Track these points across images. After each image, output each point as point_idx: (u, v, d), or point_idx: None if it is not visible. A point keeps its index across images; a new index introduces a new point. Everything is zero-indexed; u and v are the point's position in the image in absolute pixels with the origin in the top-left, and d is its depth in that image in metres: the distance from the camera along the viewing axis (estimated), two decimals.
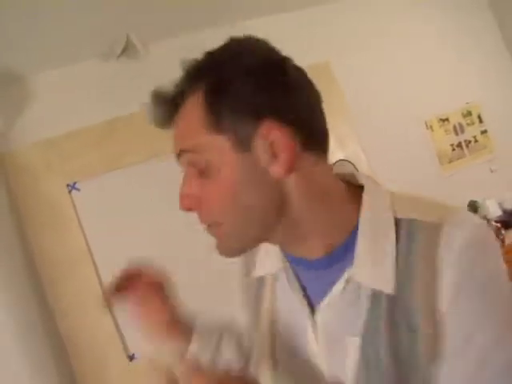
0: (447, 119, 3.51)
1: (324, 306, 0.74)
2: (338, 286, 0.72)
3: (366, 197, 0.73)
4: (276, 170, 0.69)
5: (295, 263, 0.79)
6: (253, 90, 0.68)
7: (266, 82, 0.69)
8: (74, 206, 2.73)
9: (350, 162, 2.95)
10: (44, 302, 2.63)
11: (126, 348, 2.74)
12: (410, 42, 3.48)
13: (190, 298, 2.76)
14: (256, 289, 0.88)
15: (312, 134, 0.73)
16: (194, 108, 0.71)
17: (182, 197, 0.75)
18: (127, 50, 2.85)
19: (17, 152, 2.67)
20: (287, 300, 0.80)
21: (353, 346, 0.69)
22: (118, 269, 2.78)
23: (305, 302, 0.76)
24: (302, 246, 0.75)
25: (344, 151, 3.21)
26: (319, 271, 0.75)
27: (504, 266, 0.64)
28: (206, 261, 2.63)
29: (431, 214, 0.68)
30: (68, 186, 2.74)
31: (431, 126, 3.48)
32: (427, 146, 3.45)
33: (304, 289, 0.78)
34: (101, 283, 2.71)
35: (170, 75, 2.78)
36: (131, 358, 2.74)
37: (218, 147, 0.69)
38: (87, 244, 2.72)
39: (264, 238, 0.75)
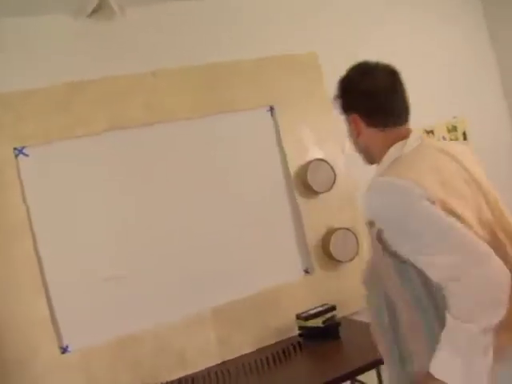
0: (432, 131, 3.36)
1: None
2: None
3: (383, 158, 1.45)
4: (355, 133, 1.50)
5: None
6: (349, 99, 1.50)
7: (352, 96, 1.49)
8: (19, 172, 2.44)
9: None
10: None
11: (59, 338, 2.44)
12: (402, 46, 3.31)
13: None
14: None
15: (370, 119, 1.45)
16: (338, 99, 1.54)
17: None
18: (102, 9, 2.60)
19: None
20: None
21: None
22: (58, 245, 2.48)
23: None
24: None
25: (322, 148, 3.02)
26: None
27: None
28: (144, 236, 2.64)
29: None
30: (15, 149, 2.44)
31: None
32: None
33: None
34: (38, 259, 2.42)
35: (143, 41, 2.52)
36: (64, 350, 2.44)
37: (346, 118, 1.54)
38: (28, 215, 2.43)
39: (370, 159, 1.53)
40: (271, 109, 2.97)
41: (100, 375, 2.46)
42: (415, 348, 1.33)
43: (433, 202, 1.21)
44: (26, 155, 2.47)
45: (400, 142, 1.40)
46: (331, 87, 2.97)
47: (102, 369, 2.46)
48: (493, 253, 1.17)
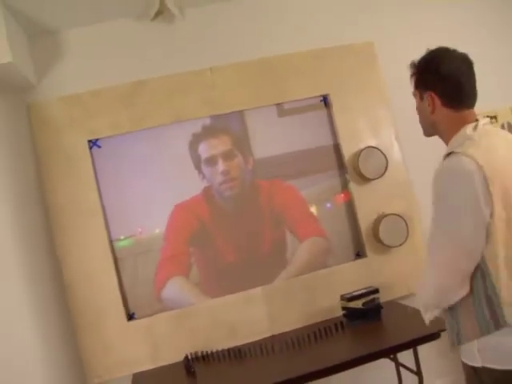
0: (495, 117, 3.26)
1: None
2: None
3: (454, 137, 1.60)
4: (429, 110, 1.65)
5: None
6: (428, 78, 1.64)
7: (431, 76, 1.63)
8: (93, 162, 2.80)
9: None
10: (52, 251, 2.72)
11: (126, 306, 2.79)
12: (462, 32, 3.23)
13: None
14: None
15: (447, 100, 1.61)
16: (415, 76, 1.71)
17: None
18: (163, 13, 2.86)
19: (43, 104, 2.76)
20: None
21: None
22: (128, 228, 2.80)
23: None
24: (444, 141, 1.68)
25: (376, 137, 3.09)
26: None
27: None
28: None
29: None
30: (90, 142, 2.80)
31: None
32: None
33: None
34: (109, 238, 2.79)
35: (200, 40, 2.76)
36: (130, 317, 2.80)
37: (418, 94, 1.70)
38: (101, 200, 2.79)
39: (434, 134, 1.73)
40: (324, 98, 3.08)
41: (162, 341, 2.78)
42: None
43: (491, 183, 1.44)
44: (99, 146, 2.82)
45: (471, 124, 1.58)
46: (388, 76, 3.11)
47: (164, 336, 2.78)
48: None
